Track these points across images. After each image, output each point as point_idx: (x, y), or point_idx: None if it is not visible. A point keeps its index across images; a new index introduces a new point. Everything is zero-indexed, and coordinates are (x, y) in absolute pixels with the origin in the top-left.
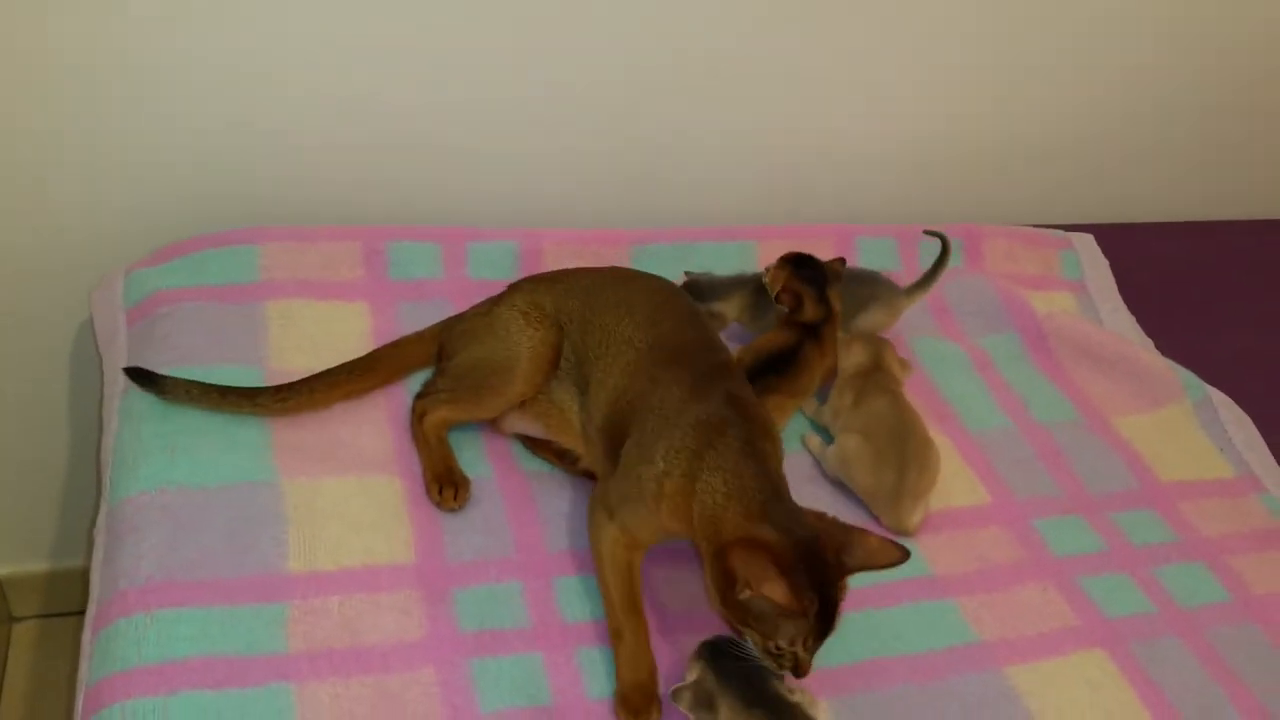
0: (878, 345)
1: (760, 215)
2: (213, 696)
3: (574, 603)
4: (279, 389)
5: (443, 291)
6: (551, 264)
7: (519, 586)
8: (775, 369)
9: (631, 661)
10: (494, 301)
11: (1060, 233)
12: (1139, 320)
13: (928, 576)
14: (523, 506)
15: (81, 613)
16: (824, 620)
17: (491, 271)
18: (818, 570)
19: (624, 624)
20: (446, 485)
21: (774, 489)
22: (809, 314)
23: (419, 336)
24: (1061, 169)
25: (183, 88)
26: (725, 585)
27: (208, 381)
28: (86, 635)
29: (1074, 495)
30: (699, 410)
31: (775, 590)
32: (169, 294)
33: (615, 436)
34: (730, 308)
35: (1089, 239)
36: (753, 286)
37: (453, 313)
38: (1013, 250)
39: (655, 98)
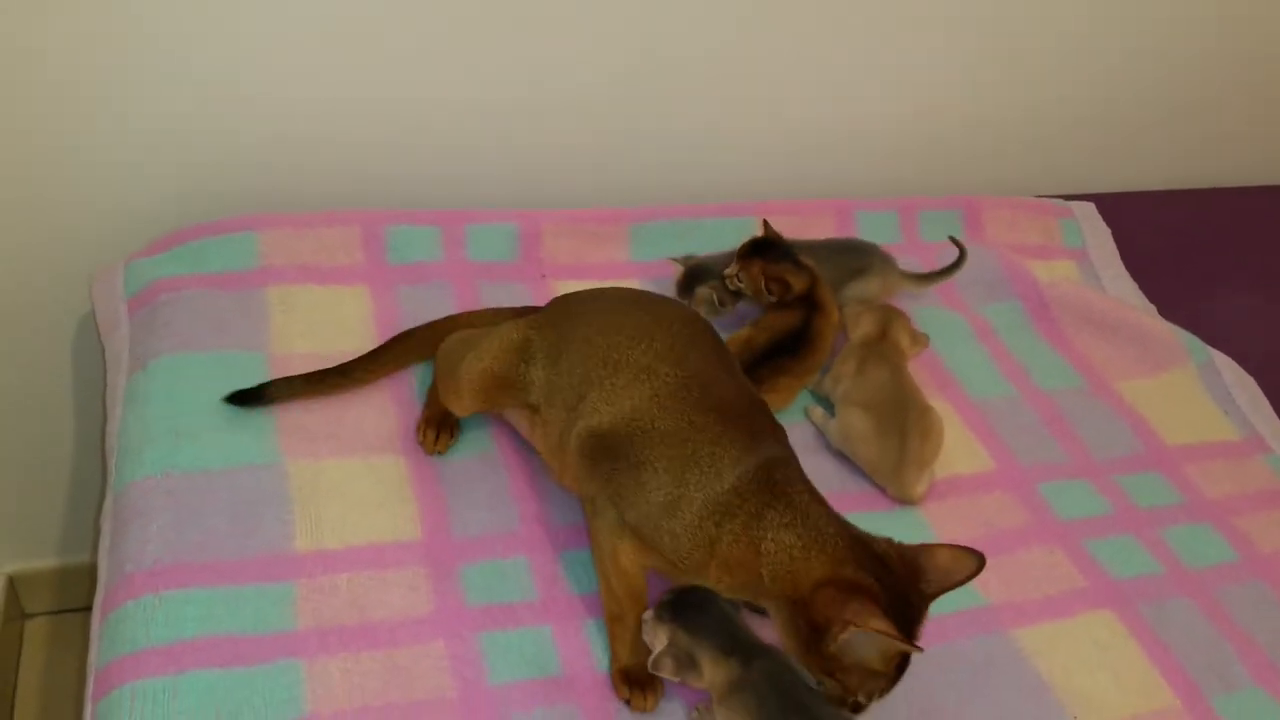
0: (888, 317)
1: (760, 193)
2: (222, 675)
3: (581, 576)
4: (366, 359)
5: (443, 274)
6: (551, 245)
7: (525, 561)
8: (788, 350)
9: (633, 645)
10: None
11: (1061, 202)
12: (1141, 286)
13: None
14: (528, 483)
15: (92, 608)
16: (904, 660)
17: (492, 253)
18: (906, 609)
19: (627, 611)
20: (431, 428)
21: (850, 533)
22: (798, 286)
23: (497, 312)
24: (1062, 140)
25: (179, 81)
26: (812, 635)
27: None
28: (95, 619)
29: (1079, 460)
30: (750, 469)
31: (881, 626)
32: (169, 282)
33: (605, 450)
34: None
35: (1090, 207)
36: None
37: (454, 296)
38: (1014, 220)
39: (652, 80)
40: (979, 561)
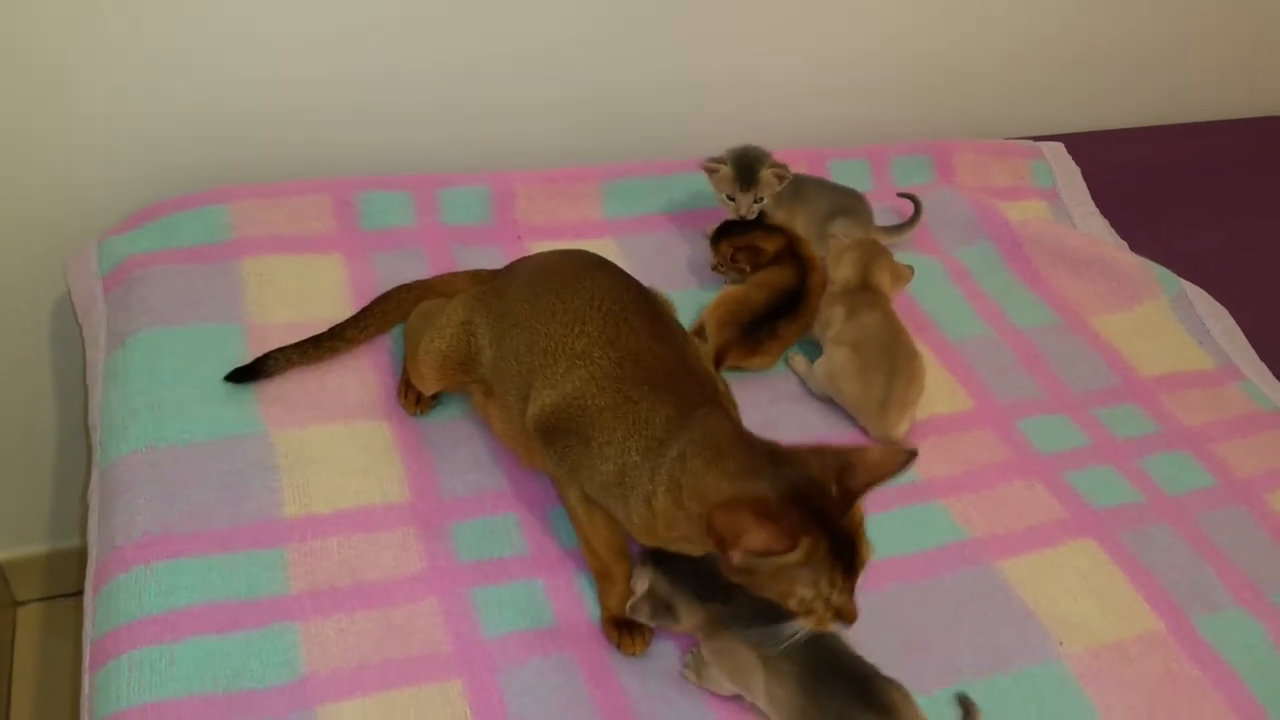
0: (870, 256)
1: (733, 143)
2: (218, 640)
3: (570, 530)
4: (356, 319)
5: (417, 239)
6: (524, 206)
7: (515, 518)
8: (785, 312)
9: (621, 598)
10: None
11: (1030, 143)
12: (1112, 223)
13: (915, 482)
14: None
15: (82, 593)
16: (842, 554)
17: (465, 216)
18: (817, 506)
19: (612, 566)
20: (413, 391)
21: (748, 442)
22: (770, 246)
23: (474, 274)
24: (1030, 81)
25: (144, 58)
26: (723, 559)
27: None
28: (88, 595)
29: (1056, 395)
30: (680, 426)
31: (754, 540)
32: (142, 258)
33: (557, 438)
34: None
35: (1059, 147)
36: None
37: (428, 261)
38: (983, 163)
39: (617, 33)
40: (908, 456)
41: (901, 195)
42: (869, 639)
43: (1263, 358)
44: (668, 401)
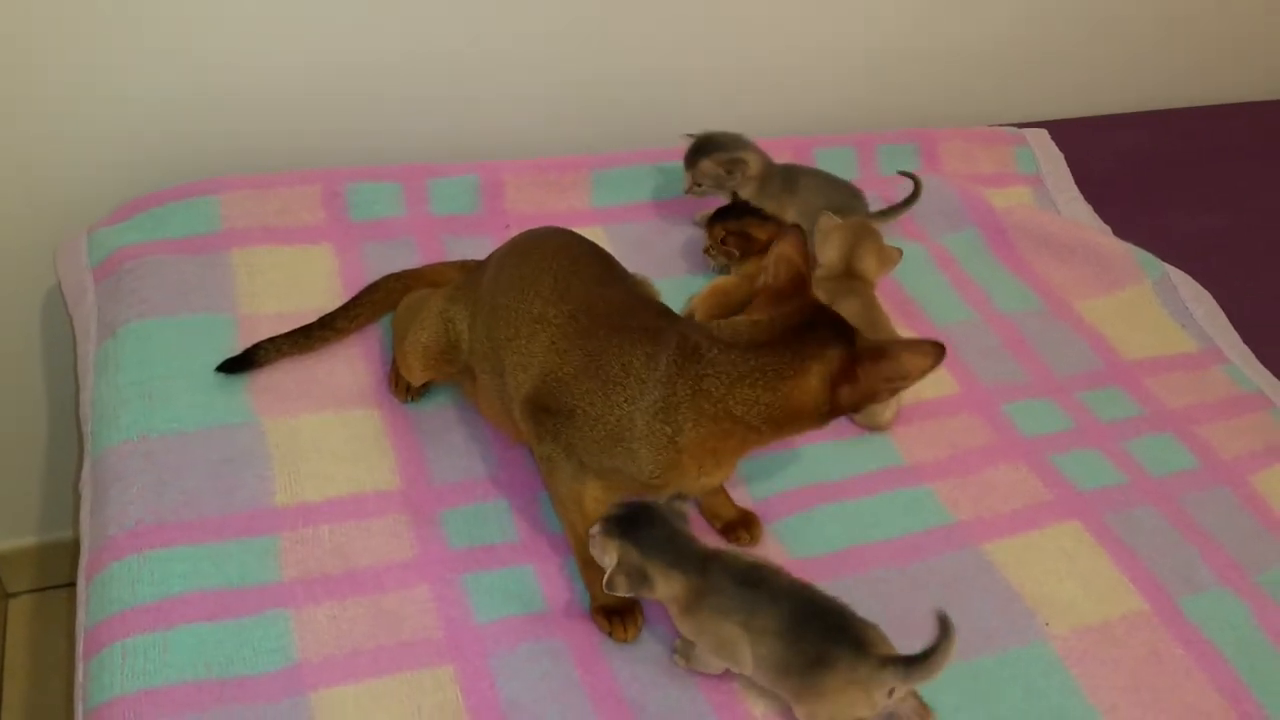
0: (856, 239)
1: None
2: (211, 628)
3: None
4: (346, 308)
5: (407, 229)
6: (514, 196)
7: (506, 504)
8: None
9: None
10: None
11: (1014, 130)
12: (1095, 209)
13: (901, 466)
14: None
15: (74, 584)
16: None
17: (454, 206)
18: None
19: None
20: (403, 379)
21: (758, 324)
22: (762, 235)
23: (463, 264)
24: (1014, 69)
25: (131, 48)
26: (846, 410)
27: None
28: (81, 584)
29: (1041, 379)
30: (663, 358)
31: (918, 364)
32: (133, 250)
33: (545, 411)
34: (754, 159)
35: (1043, 134)
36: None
37: (418, 251)
38: (968, 150)
39: (603, 22)
40: (938, 351)
41: (902, 174)
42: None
43: (1246, 340)
44: (637, 340)
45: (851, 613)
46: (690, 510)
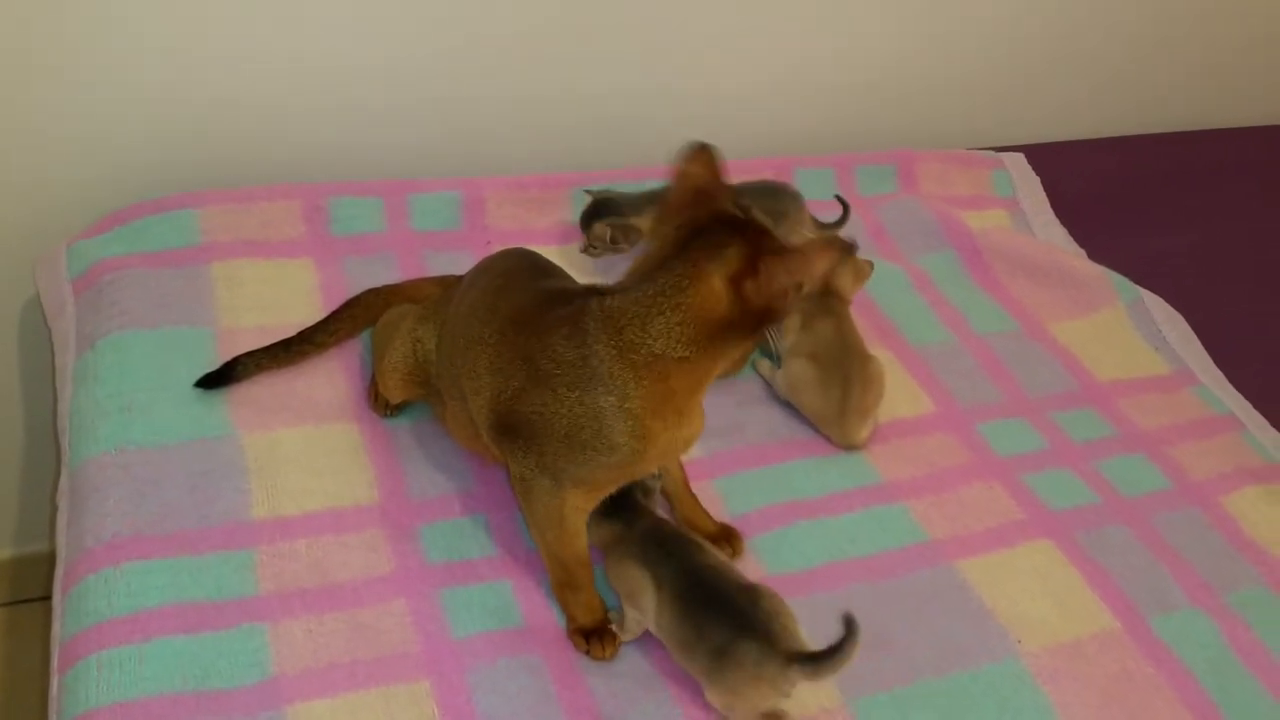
0: None
1: None
2: (187, 641)
3: None
4: (325, 323)
5: (387, 245)
6: (495, 212)
7: (484, 519)
8: None
9: (587, 607)
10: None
11: (991, 153)
12: (1071, 233)
13: (877, 484)
14: None
15: (49, 598)
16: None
17: (436, 222)
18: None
19: (580, 578)
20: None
21: (654, 258)
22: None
23: (442, 280)
24: (992, 93)
25: (109, 60)
26: (759, 322)
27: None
28: (57, 597)
29: (1015, 400)
30: (580, 333)
31: (824, 260)
32: (112, 262)
33: (511, 430)
34: (646, 223)
35: (1019, 158)
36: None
37: (398, 267)
38: (945, 173)
39: (589, 43)
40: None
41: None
42: (830, 638)
43: (1218, 363)
44: (554, 327)
45: (760, 599)
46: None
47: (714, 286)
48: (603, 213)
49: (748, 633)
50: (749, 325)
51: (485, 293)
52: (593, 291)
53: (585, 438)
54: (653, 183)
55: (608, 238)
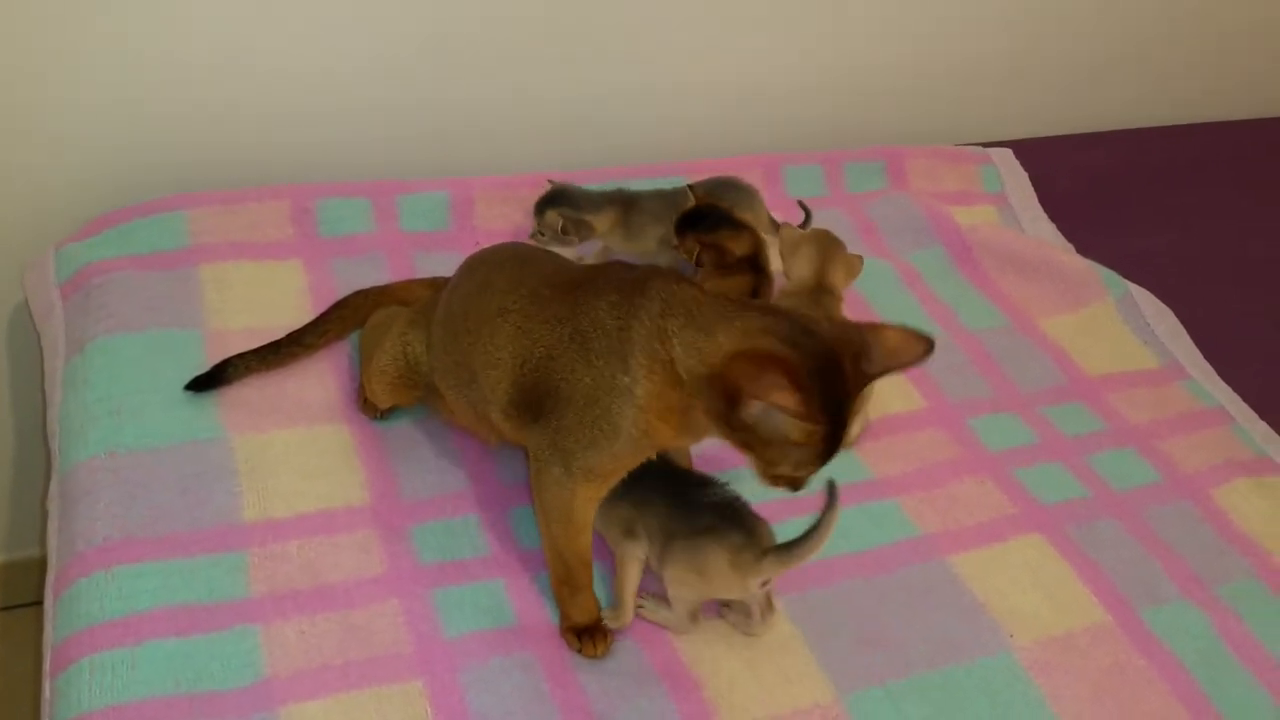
0: (826, 253)
1: (687, 151)
2: (179, 643)
3: (531, 531)
4: (315, 324)
5: (376, 245)
6: (483, 212)
7: (476, 519)
8: None
9: (583, 608)
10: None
11: (979, 149)
12: (1059, 228)
13: (869, 480)
14: (474, 443)
15: (41, 603)
16: (831, 440)
17: (425, 223)
18: (832, 385)
19: (581, 577)
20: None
21: (771, 311)
22: (738, 249)
23: (432, 281)
24: (980, 89)
25: (96, 64)
26: (727, 406)
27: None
28: (48, 601)
29: (1006, 395)
30: (624, 308)
31: (787, 400)
32: (100, 265)
33: (532, 405)
34: (601, 221)
35: (1007, 153)
36: (623, 204)
37: (387, 267)
38: (934, 169)
39: (576, 43)
40: (928, 345)
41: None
42: (823, 633)
43: (1207, 356)
44: (603, 290)
45: (744, 506)
46: None
47: (742, 371)
48: (559, 202)
49: (733, 523)
50: (726, 421)
51: (502, 273)
52: (661, 271)
53: (596, 413)
54: (634, 183)
55: (558, 227)
